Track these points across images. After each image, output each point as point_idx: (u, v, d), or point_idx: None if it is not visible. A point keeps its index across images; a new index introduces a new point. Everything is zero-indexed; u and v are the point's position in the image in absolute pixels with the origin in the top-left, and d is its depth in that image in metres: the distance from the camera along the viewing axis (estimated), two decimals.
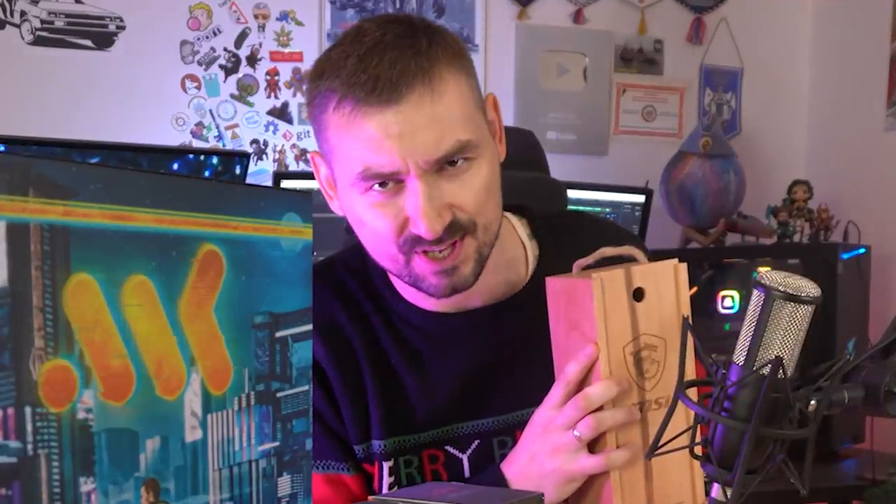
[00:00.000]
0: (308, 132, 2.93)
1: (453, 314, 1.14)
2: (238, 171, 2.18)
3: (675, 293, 0.99)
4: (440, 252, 1.03)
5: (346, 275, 1.17)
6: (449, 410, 1.13)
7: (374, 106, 0.98)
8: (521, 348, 1.13)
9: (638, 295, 0.97)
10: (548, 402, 1.01)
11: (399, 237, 1.03)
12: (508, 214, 1.18)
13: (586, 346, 0.96)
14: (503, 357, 1.14)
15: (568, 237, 1.17)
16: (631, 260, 1.06)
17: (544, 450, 1.00)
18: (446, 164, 1.01)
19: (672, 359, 0.98)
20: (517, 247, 1.17)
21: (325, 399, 1.13)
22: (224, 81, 2.86)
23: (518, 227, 1.18)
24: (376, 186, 1.01)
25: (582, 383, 0.98)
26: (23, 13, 2.68)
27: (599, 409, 0.97)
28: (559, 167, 2.35)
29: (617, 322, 0.96)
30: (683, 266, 1.00)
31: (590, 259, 1.05)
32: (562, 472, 0.99)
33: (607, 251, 1.05)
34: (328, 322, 1.14)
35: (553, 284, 1.02)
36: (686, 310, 0.98)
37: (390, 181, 1.01)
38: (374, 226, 1.03)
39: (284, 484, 0.72)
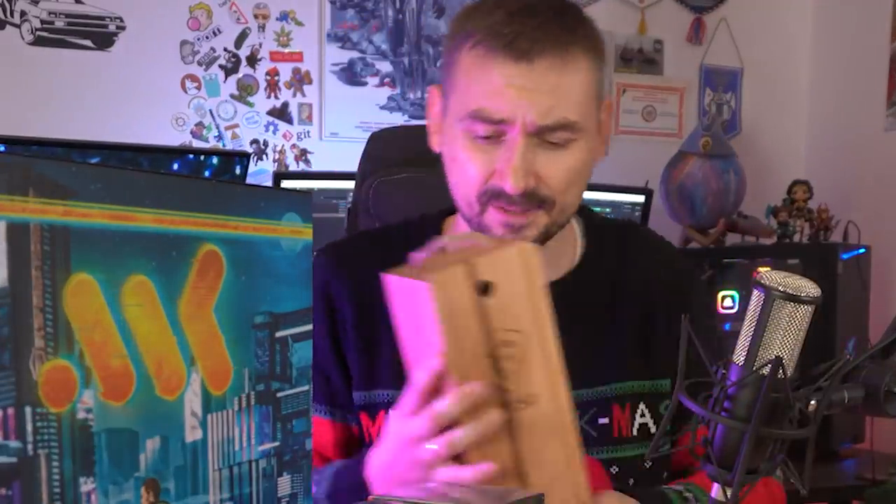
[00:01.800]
0: (308, 132, 2.93)
1: None
2: (238, 171, 2.18)
3: (527, 280, 0.90)
4: (514, 210, 1.07)
5: (396, 233, 1.22)
6: None
7: (507, 57, 1.03)
8: (564, 332, 1.14)
9: (485, 289, 0.88)
10: (400, 407, 0.95)
11: (483, 186, 1.07)
12: None
13: (433, 353, 0.88)
14: None
15: (613, 242, 1.22)
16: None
17: (403, 460, 0.95)
18: (549, 137, 1.05)
19: (535, 352, 0.90)
20: (569, 242, 1.21)
21: (329, 338, 1.15)
22: (224, 81, 2.86)
23: (574, 223, 1.23)
24: (480, 132, 1.06)
25: (436, 389, 0.90)
26: (23, 13, 2.68)
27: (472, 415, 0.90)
28: None
29: (464, 323, 0.87)
30: (533, 248, 0.91)
31: (427, 251, 0.97)
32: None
33: (447, 242, 0.98)
34: (360, 265, 1.17)
35: (392, 283, 0.92)
36: (540, 298, 0.91)
37: (494, 132, 1.06)
38: (465, 168, 1.08)
39: (284, 484, 0.72)
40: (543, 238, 1.10)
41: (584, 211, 1.26)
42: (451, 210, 1.21)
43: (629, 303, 1.19)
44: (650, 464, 1.16)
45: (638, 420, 1.15)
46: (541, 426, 0.91)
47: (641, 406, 1.16)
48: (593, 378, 1.14)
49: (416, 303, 0.88)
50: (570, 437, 0.93)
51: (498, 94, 1.04)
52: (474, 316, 0.88)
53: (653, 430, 1.15)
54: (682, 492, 1.09)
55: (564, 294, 1.16)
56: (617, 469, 1.13)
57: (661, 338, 1.17)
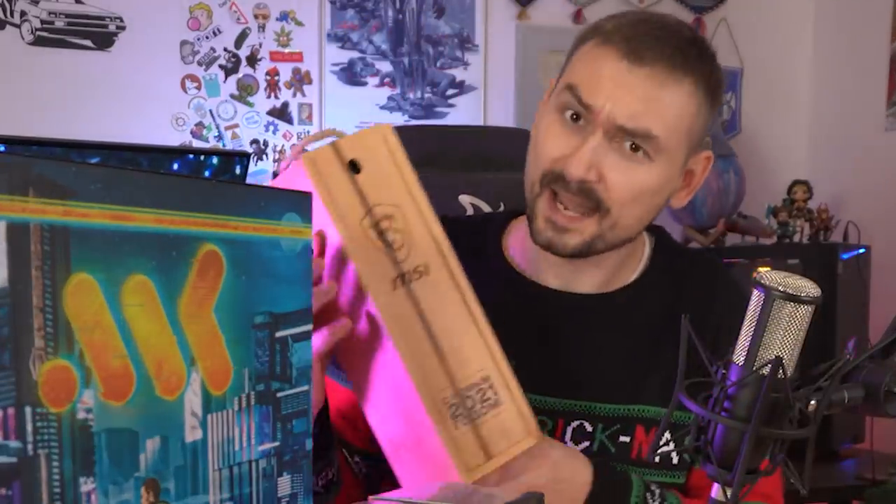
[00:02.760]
0: (308, 132, 2.93)
1: (555, 290, 1.16)
2: (238, 171, 2.17)
3: (391, 157, 0.93)
4: (564, 208, 1.07)
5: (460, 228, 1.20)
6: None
7: (618, 53, 1.04)
8: (602, 344, 1.14)
9: (354, 167, 0.91)
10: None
11: (549, 165, 1.07)
12: (644, 231, 1.21)
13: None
14: (580, 345, 1.15)
15: (679, 268, 1.20)
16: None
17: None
18: (630, 144, 1.05)
19: (415, 225, 0.93)
20: (635, 257, 1.19)
21: None
22: (224, 81, 2.86)
23: (646, 241, 1.22)
24: (568, 115, 1.07)
25: (338, 274, 0.91)
26: (23, 13, 2.68)
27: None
28: None
29: (343, 197, 0.89)
30: (388, 127, 0.94)
31: (293, 154, 1.02)
32: None
33: (304, 142, 1.01)
34: None
35: (278, 179, 0.96)
36: (408, 173, 0.94)
37: (583, 118, 1.06)
38: (543, 142, 1.08)
39: (284, 484, 0.72)
40: (588, 247, 1.08)
41: (660, 232, 1.24)
42: (518, 212, 1.20)
43: (679, 330, 1.17)
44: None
45: (661, 448, 1.13)
46: (438, 293, 0.93)
47: (668, 435, 1.13)
48: (622, 395, 1.12)
49: (298, 186, 0.89)
50: (471, 304, 0.95)
51: (597, 79, 1.05)
52: (352, 192, 0.90)
53: (675, 460, 1.13)
54: (651, 486, 1.08)
55: (611, 307, 1.16)
56: None
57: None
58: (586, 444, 1.11)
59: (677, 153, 1.08)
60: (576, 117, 1.06)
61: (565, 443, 1.10)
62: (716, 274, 1.23)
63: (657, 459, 1.13)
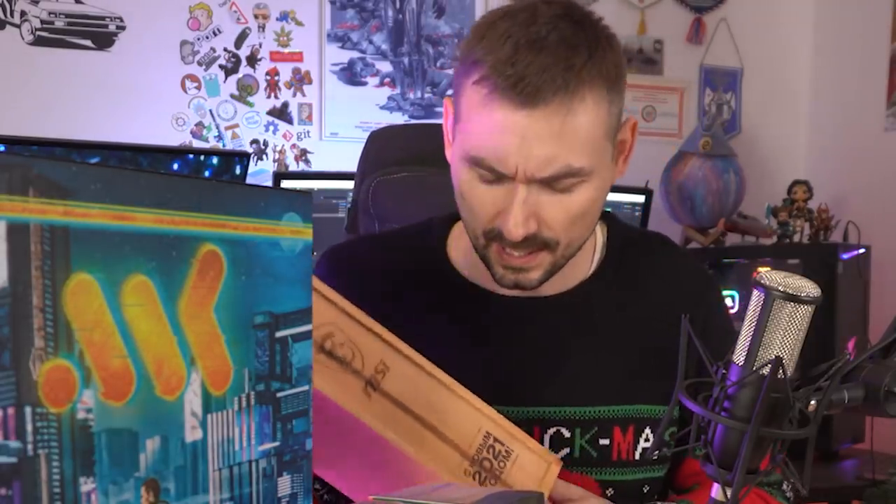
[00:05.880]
0: (308, 132, 2.93)
1: (512, 297, 1.15)
2: (238, 171, 2.17)
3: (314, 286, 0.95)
4: (516, 254, 1.06)
5: (400, 237, 1.23)
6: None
7: (510, 101, 0.99)
8: (566, 346, 1.14)
9: None
10: None
11: (488, 224, 1.06)
12: None
13: None
14: (545, 349, 1.14)
15: (634, 254, 1.19)
16: None
17: None
18: (553, 185, 1.03)
19: (354, 331, 0.94)
20: (586, 251, 1.17)
21: None
22: (224, 81, 2.86)
23: (598, 232, 1.21)
24: (484, 172, 1.04)
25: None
26: (23, 13, 2.68)
27: None
28: None
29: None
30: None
31: None
32: None
33: None
34: (363, 268, 1.18)
35: None
36: (324, 289, 0.95)
37: (496, 178, 1.03)
38: (471, 203, 1.07)
39: (284, 484, 0.72)
40: (551, 272, 1.09)
41: (611, 219, 1.22)
42: (456, 215, 1.19)
43: (643, 322, 1.16)
44: (647, 488, 1.14)
45: (642, 444, 1.12)
46: (406, 380, 0.95)
47: (647, 431, 1.12)
48: (594, 397, 1.12)
49: None
50: (436, 373, 0.97)
51: (499, 141, 1.00)
52: None
53: (655, 455, 1.13)
54: None
55: (570, 306, 1.15)
56: (612, 492, 1.11)
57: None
58: (566, 450, 1.10)
59: (603, 155, 1.05)
60: (492, 179, 1.04)
61: None
62: (673, 255, 1.23)
63: (637, 457, 1.13)
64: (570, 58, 0.99)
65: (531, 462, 0.97)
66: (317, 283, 0.94)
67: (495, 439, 0.96)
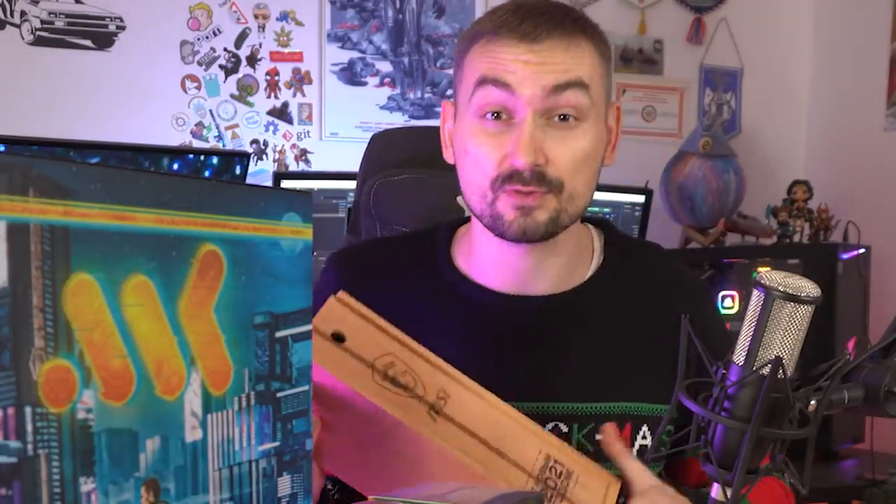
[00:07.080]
0: (308, 132, 2.93)
1: (513, 296, 1.17)
2: (238, 171, 2.18)
3: (358, 315, 0.98)
4: (526, 191, 1.08)
5: (406, 243, 1.26)
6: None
7: (514, 39, 1.07)
8: (565, 344, 1.16)
9: (339, 338, 0.96)
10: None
11: (496, 170, 1.08)
12: (591, 225, 1.25)
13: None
14: (546, 346, 1.16)
15: (631, 262, 1.22)
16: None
17: None
18: (557, 117, 1.07)
19: (413, 360, 0.98)
20: (587, 253, 1.21)
21: None
22: (224, 81, 2.86)
23: (595, 237, 1.24)
24: (489, 116, 1.08)
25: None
26: (23, 13, 2.68)
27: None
28: None
29: (346, 366, 0.94)
30: (342, 293, 0.99)
31: None
32: None
33: None
34: (370, 273, 1.20)
35: None
36: (378, 320, 0.98)
37: (504, 112, 1.08)
38: (478, 153, 1.09)
39: (284, 484, 0.72)
40: (555, 223, 1.10)
41: (607, 227, 1.26)
42: (463, 220, 1.22)
43: (640, 323, 1.18)
44: None
45: (639, 441, 1.14)
46: (466, 406, 0.97)
47: (644, 428, 1.14)
48: (592, 393, 1.14)
49: None
50: (489, 398, 1.00)
51: (506, 68, 1.06)
52: (349, 358, 0.95)
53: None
54: None
55: (570, 305, 1.17)
56: None
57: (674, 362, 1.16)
58: None
59: (600, 107, 1.11)
60: (497, 114, 1.08)
61: None
62: (667, 265, 1.26)
63: (634, 454, 1.13)
64: (568, 13, 1.09)
65: (592, 480, 1.00)
66: (365, 310, 0.98)
67: (555, 461, 0.99)
